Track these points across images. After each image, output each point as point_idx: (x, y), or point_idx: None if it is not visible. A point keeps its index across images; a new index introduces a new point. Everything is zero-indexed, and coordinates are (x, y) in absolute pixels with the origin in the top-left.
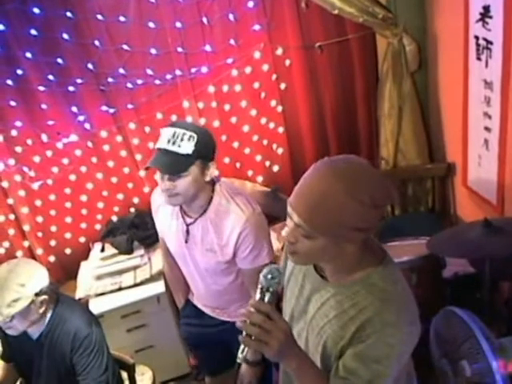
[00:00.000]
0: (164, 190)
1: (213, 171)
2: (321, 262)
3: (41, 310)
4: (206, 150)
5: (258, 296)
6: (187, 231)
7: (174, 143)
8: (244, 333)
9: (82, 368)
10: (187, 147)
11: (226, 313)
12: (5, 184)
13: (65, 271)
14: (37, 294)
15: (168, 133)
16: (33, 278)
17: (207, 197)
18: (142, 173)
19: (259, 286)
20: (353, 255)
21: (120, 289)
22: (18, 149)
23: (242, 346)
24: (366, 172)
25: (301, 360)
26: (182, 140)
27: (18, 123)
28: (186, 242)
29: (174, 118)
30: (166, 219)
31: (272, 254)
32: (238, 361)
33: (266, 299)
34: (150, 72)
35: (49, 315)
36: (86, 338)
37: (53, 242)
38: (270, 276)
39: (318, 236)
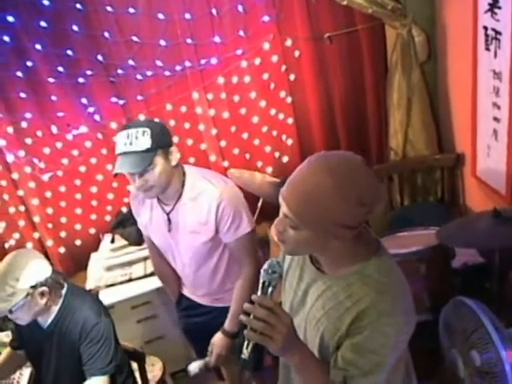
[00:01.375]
0: (138, 187)
1: (176, 155)
2: (309, 254)
3: (42, 302)
4: (162, 139)
5: (259, 291)
6: (168, 220)
7: (130, 144)
8: (248, 327)
9: (87, 357)
10: (144, 142)
11: (219, 299)
12: (15, 176)
13: (75, 262)
14: (33, 287)
15: (122, 136)
16: (28, 270)
17: (180, 181)
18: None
19: (260, 281)
20: (340, 250)
21: (130, 280)
22: (28, 140)
23: (246, 341)
24: (358, 170)
25: (303, 354)
26: (136, 138)
27: (28, 115)
28: (169, 230)
29: (183, 109)
30: (147, 215)
31: (253, 223)
32: (243, 357)
33: (269, 293)
34: (159, 63)
35: (58, 305)
36: (93, 328)
37: (63, 234)
38: (270, 270)
39: (304, 229)
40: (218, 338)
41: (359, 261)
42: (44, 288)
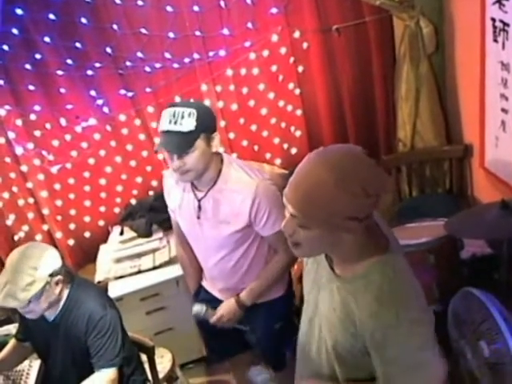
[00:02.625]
0: (175, 169)
1: (217, 142)
2: (323, 253)
3: (57, 291)
4: (207, 123)
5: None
6: (199, 206)
7: (175, 123)
8: None
9: (95, 350)
10: (189, 124)
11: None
12: (24, 168)
13: (84, 254)
14: (51, 275)
15: (168, 114)
16: (44, 259)
17: (217, 168)
18: (161, 156)
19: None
20: (353, 245)
21: (139, 272)
22: (37, 133)
23: None
24: (358, 162)
25: None
26: (182, 118)
27: (37, 107)
28: (199, 217)
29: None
30: (178, 198)
31: None
32: None
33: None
34: (168, 56)
35: (64, 297)
36: (100, 321)
37: (72, 226)
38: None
39: (313, 226)
40: (229, 301)
41: (367, 262)
42: (59, 277)
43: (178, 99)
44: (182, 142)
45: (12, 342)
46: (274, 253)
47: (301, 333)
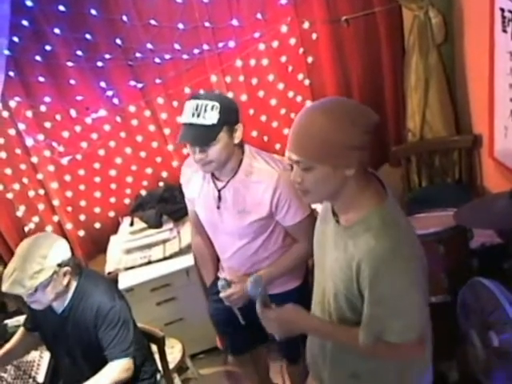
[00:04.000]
0: (197, 160)
1: (240, 133)
2: (330, 199)
3: (64, 282)
4: (230, 115)
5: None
6: (219, 196)
7: (198, 116)
8: None
9: (107, 342)
10: (212, 117)
11: None
12: (34, 159)
13: (94, 245)
14: (59, 265)
15: (191, 106)
16: (54, 249)
17: (238, 159)
18: (171, 147)
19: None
20: (355, 190)
21: (149, 262)
22: (47, 124)
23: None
24: (342, 99)
25: (314, 327)
26: (205, 111)
27: (47, 99)
28: (218, 208)
29: (201, 92)
30: (198, 187)
31: (309, 205)
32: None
33: (259, 305)
34: (177, 47)
35: (72, 289)
36: (109, 313)
37: (82, 217)
38: (255, 290)
39: (316, 165)
40: (243, 278)
41: (367, 208)
42: (68, 268)
43: (187, 90)
44: (204, 136)
45: (20, 331)
46: (293, 242)
47: (313, 299)
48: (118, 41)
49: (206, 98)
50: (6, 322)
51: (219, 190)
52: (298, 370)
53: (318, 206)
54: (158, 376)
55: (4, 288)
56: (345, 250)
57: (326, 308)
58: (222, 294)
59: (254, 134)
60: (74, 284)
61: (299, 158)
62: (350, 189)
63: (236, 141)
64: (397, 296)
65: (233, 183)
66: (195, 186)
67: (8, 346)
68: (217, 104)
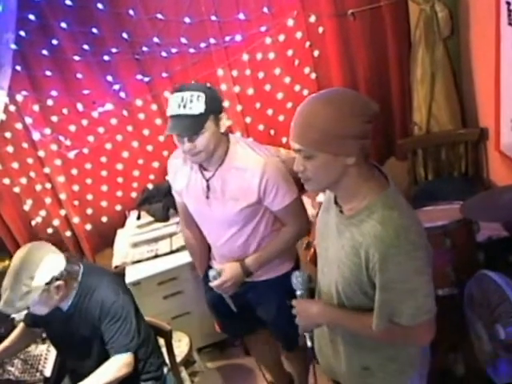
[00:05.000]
0: (186, 151)
1: (225, 121)
2: (332, 187)
3: (58, 296)
4: (215, 104)
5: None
6: (208, 186)
7: (184, 106)
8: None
9: (109, 336)
10: (198, 106)
11: None
12: (41, 153)
13: (101, 239)
14: (48, 283)
15: (176, 99)
16: (41, 267)
17: (224, 148)
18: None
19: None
20: (357, 179)
21: (156, 256)
22: (54, 118)
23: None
24: (343, 89)
25: (328, 316)
26: (191, 101)
27: (54, 93)
28: (207, 197)
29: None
30: (185, 178)
31: (296, 189)
32: (309, 345)
33: (298, 295)
34: (184, 41)
35: (75, 288)
36: (112, 307)
37: (89, 211)
38: (295, 281)
39: (317, 153)
40: (232, 265)
41: (370, 196)
42: (59, 282)
43: None
44: (192, 125)
45: (20, 327)
46: (281, 226)
47: (318, 289)
48: (125, 35)
49: (190, 89)
50: (14, 315)
51: (207, 180)
52: (296, 356)
53: (321, 198)
54: (165, 369)
55: (0, 307)
56: (350, 239)
57: (333, 296)
58: (212, 284)
59: (261, 127)
60: (75, 285)
61: (301, 146)
62: (352, 177)
63: (222, 130)
64: (406, 279)
65: (220, 172)
66: (183, 177)
67: (7, 341)
68: (201, 94)
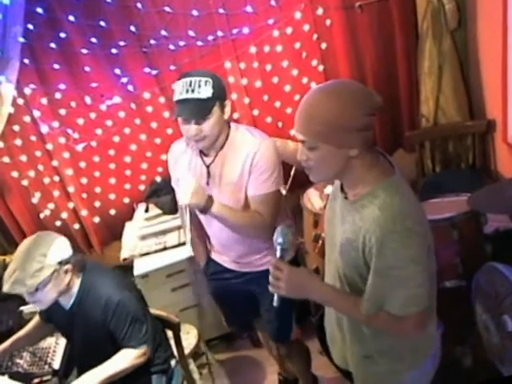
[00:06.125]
0: (192, 135)
1: (229, 109)
2: (336, 177)
3: (66, 280)
4: (221, 91)
5: (276, 254)
6: (208, 172)
7: (193, 91)
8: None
9: (122, 333)
10: (207, 91)
11: (248, 263)
12: (49, 146)
13: (109, 232)
14: (60, 263)
15: (184, 83)
16: (54, 247)
17: (225, 134)
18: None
19: (274, 245)
20: (361, 168)
21: (164, 248)
22: (62, 111)
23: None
24: (348, 81)
25: (320, 292)
26: (199, 86)
27: (62, 86)
28: (208, 183)
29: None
30: (186, 164)
31: (280, 184)
32: (275, 304)
33: (278, 254)
34: (191, 33)
35: (77, 285)
36: (118, 305)
37: (97, 203)
38: (280, 238)
39: (320, 144)
40: (200, 188)
41: (373, 183)
42: (69, 266)
43: None
44: (200, 109)
45: (36, 319)
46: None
47: (325, 276)
48: (133, 28)
49: (198, 75)
50: (22, 308)
51: (207, 166)
52: (290, 351)
53: (329, 190)
54: (173, 362)
55: (5, 289)
56: (352, 223)
57: (337, 282)
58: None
59: (269, 119)
60: (77, 280)
61: (304, 137)
62: (355, 168)
63: (226, 116)
64: (400, 266)
65: (220, 157)
66: (184, 163)
67: (22, 332)
68: (209, 79)
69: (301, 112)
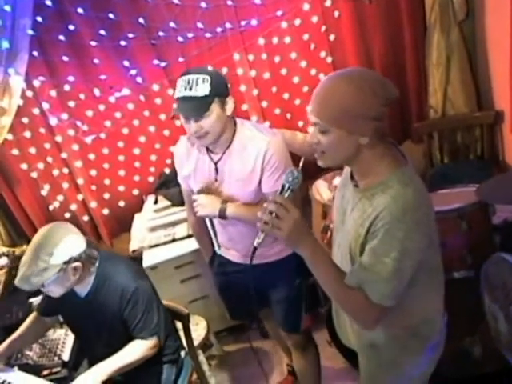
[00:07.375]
0: (193, 133)
1: (231, 105)
2: (346, 164)
3: (75, 277)
4: (220, 87)
5: (278, 191)
6: (216, 169)
7: (190, 89)
8: (261, 220)
9: (135, 322)
10: (203, 89)
11: (257, 256)
12: (58, 138)
13: (119, 223)
14: (66, 262)
15: (183, 81)
16: (62, 245)
17: (231, 131)
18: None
19: (281, 183)
20: (372, 157)
21: (173, 240)
22: (71, 103)
23: (259, 233)
24: (366, 70)
25: (314, 249)
26: (197, 84)
27: (71, 78)
28: (216, 180)
29: (224, 70)
30: (191, 166)
31: None
32: (255, 244)
33: (284, 194)
34: (200, 25)
35: (93, 275)
36: (133, 294)
37: (106, 195)
38: (290, 177)
39: (332, 128)
40: (214, 198)
41: (385, 173)
42: (77, 263)
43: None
44: (197, 106)
45: (32, 317)
46: None
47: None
48: (141, 20)
49: (197, 73)
50: (31, 300)
51: (215, 163)
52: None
53: (338, 182)
54: (183, 353)
55: (16, 281)
56: (361, 210)
57: (344, 268)
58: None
59: (277, 111)
60: (93, 270)
61: (317, 120)
62: (365, 156)
63: (228, 113)
64: (394, 256)
65: (228, 154)
66: (191, 161)
67: (17, 333)
68: (207, 77)
69: (318, 95)
